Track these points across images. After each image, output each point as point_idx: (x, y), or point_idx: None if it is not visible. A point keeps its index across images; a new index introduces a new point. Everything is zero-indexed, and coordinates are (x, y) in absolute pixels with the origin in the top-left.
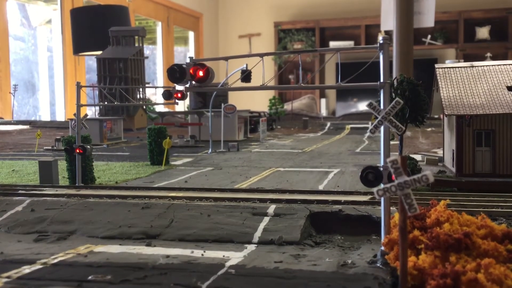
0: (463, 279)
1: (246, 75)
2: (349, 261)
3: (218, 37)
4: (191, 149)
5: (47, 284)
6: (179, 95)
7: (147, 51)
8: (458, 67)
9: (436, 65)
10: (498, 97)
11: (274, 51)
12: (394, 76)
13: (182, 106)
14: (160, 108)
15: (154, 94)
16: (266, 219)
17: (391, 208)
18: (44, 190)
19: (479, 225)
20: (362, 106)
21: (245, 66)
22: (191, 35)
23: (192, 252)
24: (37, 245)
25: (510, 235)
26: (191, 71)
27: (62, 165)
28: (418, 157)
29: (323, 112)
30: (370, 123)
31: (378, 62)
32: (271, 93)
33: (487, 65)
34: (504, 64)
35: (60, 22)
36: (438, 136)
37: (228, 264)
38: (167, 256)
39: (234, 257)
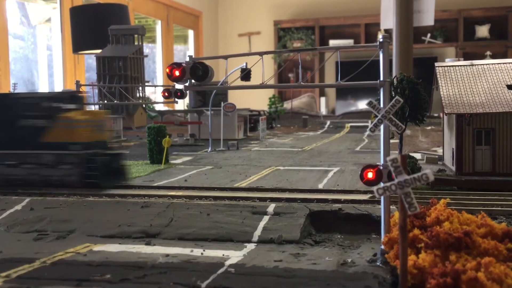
0: (463, 278)
1: (245, 74)
2: (349, 260)
3: (217, 36)
4: (190, 148)
5: (46, 283)
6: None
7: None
8: (458, 66)
9: (436, 64)
10: (498, 95)
11: (274, 49)
12: (394, 74)
13: (181, 104)
14: (159, 107)
15: (154, 93)
16: (265, 218)
17: (391, 207)
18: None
19: (479, 224)
20: (362, 104)
21: (244, 64)
22: (190, 33)
23: (192, 251)
24: (37, 244)
25: (510, 234)
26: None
27: None
28: (418, 155)
29: (323, 110)
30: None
31: (378, 61)
32: (270, 92)
33: (487, 64)
34: (504, 63)
35: (60, 20)
36: (438, 135)
37: (227, 263)
38: (167, 255)
39: (233, 256)
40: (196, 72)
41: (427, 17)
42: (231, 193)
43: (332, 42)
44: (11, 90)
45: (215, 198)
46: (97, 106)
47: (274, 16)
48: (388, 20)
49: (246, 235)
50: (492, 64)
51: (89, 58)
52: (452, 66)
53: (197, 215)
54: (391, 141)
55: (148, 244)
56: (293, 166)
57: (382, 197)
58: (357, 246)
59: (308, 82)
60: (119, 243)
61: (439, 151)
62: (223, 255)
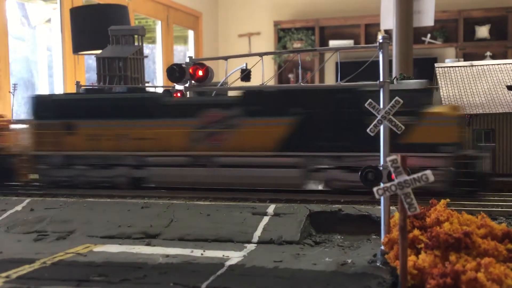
0: (463, 278)
1: (245, 75)
2: (349, 261)
3: (217, 36)
4: None
5: (46, 284)
6: (178, 94)
7: (146, 50)
8: (458, 67)
9: (436, 65)
10: (498, 96)
11: (274, 50)
12: (393, 75)
13: None
14: None
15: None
16: (265, 219)
17: (391, 207)
18: (43, 190)
19: (479, 224)
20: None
21: (244, 65)
22: (190, 34)
23: (192, 251)
24: (37, 244)
25: (510, 234)
26: (190, 70)
27: None
28: None
29: None
30: None
31: (378, 61)
32: None
33: (486, 64)
34: (504, 63)
35: (60, 21)
36: None
37: (227, 263)
38: (167, 256)
39: (233, 256)
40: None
41: (427, 17)
42: (231, 194)
43: (332, 43)
44: (11, 91)
45: (215, 198)
46: None
47: (274, 16)
48: (388, 20)
49: (246, 235)
50: (492, 64)
51: (89, 59)
52: (452, 66)
53: (197, 216)
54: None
55: (148, 244)
56: None
57: (382, 198)
58: (357, 246)
59: (308, 82)
60: (119, 244)
61: None
62: (223, 255)
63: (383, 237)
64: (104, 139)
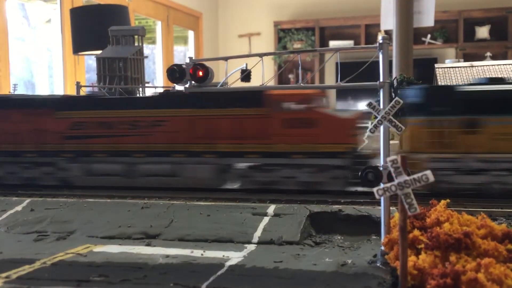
0: (463, 278)
1: (246, 75)
2: (349, 261)
3: (218, 37)
4: None
5: (46, 284)
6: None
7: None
8: (458, 67)
9: (436, 65)
10: None
11: (274, 50)
12: (394, 75)
13: None
14: None
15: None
16: (266, 219)
17: (391, 208)
18: (43, 190)
19: (479, 225)
20: (362, 105)
21: (245, 65)
22: (190, 34)
23: (192, 252)
24: (37, 245)
25: (510, 235)
26: (190, 71)
27: None
28: None
29: None
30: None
31: (378, 62)
32: None
33: (487, 65)
34: (504, 64)
35: (60, 21)
36: None
37: (228, 264)
38: (167, 256)
39: (234, 257)
40: (196, 73)
41: (427, 18)
42: (231, 194)
43: (332, 43)
44: (11, 91)
45: (215, 199)
46: None
47: (274, 17)
48: (388, 21)
49: (246, 236)
50: (492, 65)
51: (89, 59)
52: (452, 67)
53: (197, 216)
54: (391, 142)
55: (148, 245)
56: None
57: (382, 198)
58: (357, 247)
59: (308, 83)
60: (120, 244)
61: None
62: (223, 256)
63: (383, 238)
64: None
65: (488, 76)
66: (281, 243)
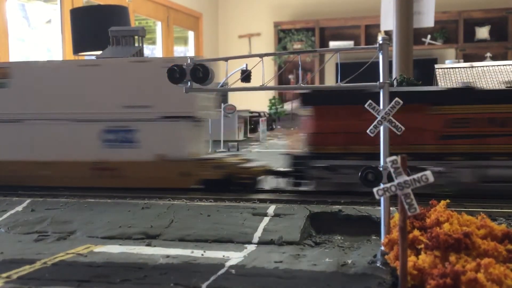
0: (463, 278)
1: (246, 76)
2: (349, 261)
3: (218, 37)
4: None
5: (47, 284)
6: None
7: (147, 51)
8: (458, 68)
9: (436, 66)
10: None
11: (274, 51)
12: (394, 76)
13: None
14: None
15: None
16: (266, 219)
17: (391, 208)
18: (44, 190)
19: (479, 225)
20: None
21: (245, 66)
22: (191, 35)
23: (192, 252)
24: (37, 245)
25: (510, 235)
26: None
27: None
28: None
29: None
30: None
31: (378, 62)
32: (271, 93)
33: (487, 66)
34: (504, 65)
35: (60, 22)
36: None
37: (228, 264)
38: (167, 256)
39: (234, 257)
40: (196, 74)
41: (427, 18)
42: (232, 195)
43: (332, 44)
44: None
45: (216, 199)
46: None
47: (274, 17)
48: (388, 21)
49: (246, 236)
50: (492, 66)
51: None
52: (452, 68)
53: (197, 216)
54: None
55: (148, 245)
56: None
57: (382, 198)
58: (357, 247)
59: (308, 83)
60: (120, 244)
61: None
62: (224, 256)
63: (383, 238)
64: None
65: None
66: (281, 243)
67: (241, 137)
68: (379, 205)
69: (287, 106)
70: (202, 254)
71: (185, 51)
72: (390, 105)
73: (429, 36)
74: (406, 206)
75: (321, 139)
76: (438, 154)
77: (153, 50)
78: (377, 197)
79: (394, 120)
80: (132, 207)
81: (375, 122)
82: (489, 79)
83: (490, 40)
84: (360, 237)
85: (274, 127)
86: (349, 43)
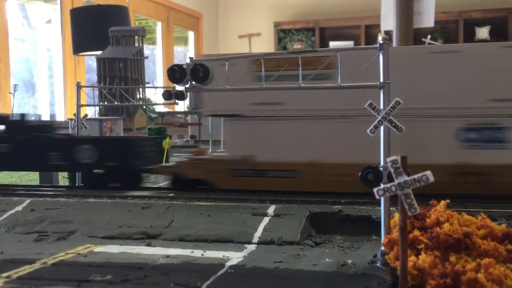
0: (463, 279)
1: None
2: (349, 261)
3: (218, 37)
4: (191, 149)
5: (47, 284)
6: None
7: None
8: None
9: None
10: None
11: (274, 51)
12: None
13: (182, 106)
14: (160, 108)
15: (154, 94)
16: (266, 219)
17: (391, 208)
18: (44, 190)
19: (479, 225)
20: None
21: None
22: (191, 35)
23: (192, 252)
24: (37, 245)
25: (510, 235)
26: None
27: None
28: None
29: None
30: None
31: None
32: None
33: None
34: None
35: (60, 22)
36: None
37: (228, 264)
38: (167, 256)
39: (234, 257)
40: (197, 74)
41: (427, 18)
42: (231, 195)
43: (332, 44)
44: (12, 92)
45: (215, 199)
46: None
47: (274, 17)
48: (388, 21)
49: (246, 236)
50: None
51: (90, 60)
52: None
53: (197, 216)
54: None
55: (148, 245)
56: None
57: (382, 198)
58: (357, 247)
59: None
60: (120, 244)
61: None
62: (224, 256)
63: (383, 238)
64: None
65: None
66: (281, 243)
67: None
68: (379, 205)
69: None
70: (202, 254)
71: (185, 51)
72: (390, 105)
73: (429, 36)
74: (406, 206)
75: None
76: None
77: (153, 50)
78: (377, 197)
79: (394, 120)
80: (132, 207)
81: (375, 122)
82: None
83: (490, 40)
84: (360, 237)
85: None
86: (349, 43)
